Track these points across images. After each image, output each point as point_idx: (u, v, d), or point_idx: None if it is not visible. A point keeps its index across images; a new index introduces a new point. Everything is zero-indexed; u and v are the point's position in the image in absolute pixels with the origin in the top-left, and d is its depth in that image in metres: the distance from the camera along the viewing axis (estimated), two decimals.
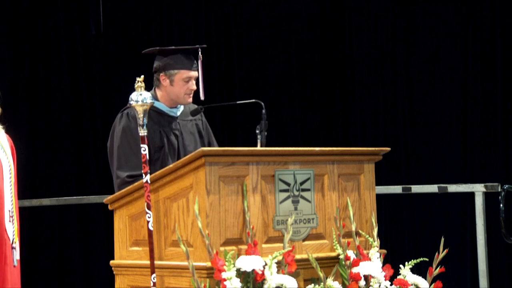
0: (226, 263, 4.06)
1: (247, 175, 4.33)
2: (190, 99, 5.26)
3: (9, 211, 5.24)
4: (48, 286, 7.64)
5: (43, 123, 7.90)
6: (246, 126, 6.73)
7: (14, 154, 5.37)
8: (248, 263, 4.12)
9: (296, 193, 4.49)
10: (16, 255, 5.28)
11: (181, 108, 5.32)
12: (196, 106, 5.33)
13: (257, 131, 5.19)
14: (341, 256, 4.50)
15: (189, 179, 4.28)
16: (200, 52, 5.22)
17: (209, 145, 5.37)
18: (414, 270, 4.71)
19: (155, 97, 5.21)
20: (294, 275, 4.25)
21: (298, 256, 4.38)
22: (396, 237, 8.44)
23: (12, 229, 5.27)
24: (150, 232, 4.32)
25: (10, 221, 5.25)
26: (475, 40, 8.31)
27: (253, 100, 5.32)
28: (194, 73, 5.23)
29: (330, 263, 4.50)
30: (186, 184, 4.29)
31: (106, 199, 4.69)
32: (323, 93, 8.85)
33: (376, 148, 4.87)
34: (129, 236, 4.55)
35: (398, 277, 4.66)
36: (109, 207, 4.66)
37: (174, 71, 5.21)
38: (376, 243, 4.65)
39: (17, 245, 5.29)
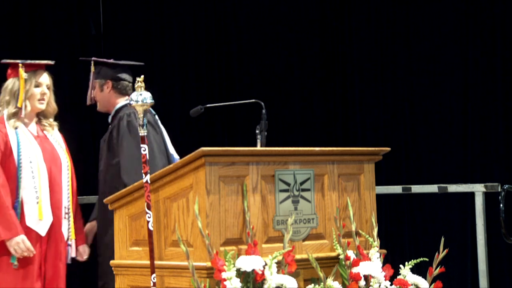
0: (226, 263, 4.06)
1: (247, 175, 4.33)
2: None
3: (65, 207, 5.27)
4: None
5: None
6: (246, 126, 6.72)
7: (68, 151, 5.41)
8: (248, 263, 4.12)
9: (296, 193, 4.49)
10: (72, 252, 5.31)
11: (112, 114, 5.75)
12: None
13: (257, 131, 5.20)
14: (341, 256, 4.50)
15: (189, 179, 4.28)
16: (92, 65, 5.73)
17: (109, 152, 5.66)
18: (414, 270, 4.71)
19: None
20: (294, 275, 4.25)
21: (298, 256, 4.38)
22: (396, 237, 8.43)
23: (67, 226, 5.30)
24: (150, 232, 4.32)
25: (65, 217, 5.28)
26: (475, 40, 8.30)
27: (253, 100, 5.33)
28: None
29: (330, 263, 4.50)
30: (186, 184, 4.29)
31: (106, 199, 4.69)
32: (323, 93, 8.84)
33: (376, 148, 4.87)
34: (129, 236, 4.55)
35: (398, 277, 4.66)
36: (109, 207, 4.67)
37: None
38: (376, 243, 4.65)
39: (72, 242, 5.32)
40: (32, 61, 5.30)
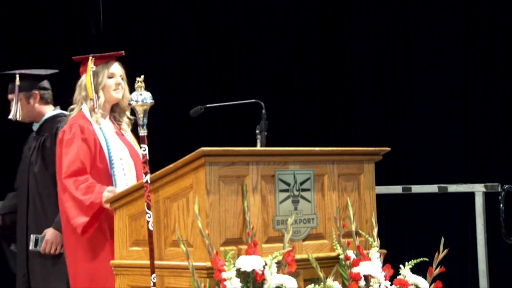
0: (226, 263, 4.06)
1: (247, 175, 4.33)
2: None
3: None
4: None
5: None
6: (246, 126, 6.73)
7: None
8: (248, 263, 4.12)
9: (296, 193, 4.49)
10: None
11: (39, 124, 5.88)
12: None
13: (257, 131, 5.20)
14: (341, 256, 4.50)
15: (189, 179, 4.28)
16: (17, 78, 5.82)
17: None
18: (414, 270, 4.71)
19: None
20: (294, 275, 4.25)
21: (298, 256, 4.38)
22: (396, 237, 8.44)
23: None
24: (150, 232, 4.32)
25: None
26: (475, 40, 8.31)
27: (253, 100, 5.33)
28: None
29: (330, 263, 4.50)
30: (186, 184, 4.29)
31: (106, 199, 4.69)
32: (323, 93, 8.85)
33: (376, 148, 4.87)
34: (129, 236, 4.55)
35: (398, 277, 4.66)
36: (109, 207, 4.67)
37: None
38: (376, 243, 4.65)
39: None
40: (102, 54, 5.24)
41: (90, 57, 5.16)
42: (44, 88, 5.90)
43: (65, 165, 4.96)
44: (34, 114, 5.89)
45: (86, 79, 5.17)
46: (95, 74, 5.15)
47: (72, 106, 5.25)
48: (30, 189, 5.80)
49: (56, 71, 6.03)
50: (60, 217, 5.10)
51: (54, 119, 5.88)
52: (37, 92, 5.86)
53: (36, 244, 5.65)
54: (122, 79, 5.23)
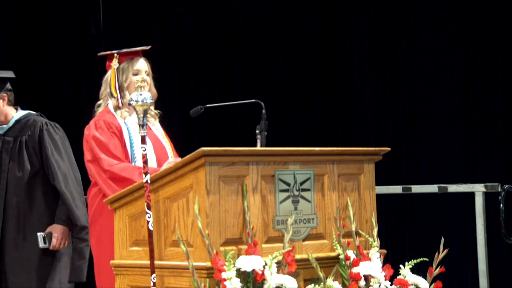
0: (226, 263, 4.06)
1: (247, 175, 4.33)
2: None
3: None
4: None
5: None
6: (246, 126, 6.73)
7: (171, 143, 5.38)
8: (248, 263, 4.12)
9: (296, 193, 4.49)
10: None
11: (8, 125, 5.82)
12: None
13: (257, 131, 5.19)
14: (341, 256, 4.50)
15: (189, 179, 4.28)
16: None
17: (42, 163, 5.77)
18: (414, 270, 4.71)
19: None
20: (294, 275, 4.25)
21: (298, 256, 4.38)
22: (396, 237, 8.44)
23: None
24: (150, 232, 4.32)
25: None
26: (475, 40, 8.31)
27: (253, 100, 5.32)
28: None
29: (330, 263, 4.50)
30: (186, 184, 4.29)
31: (106, 199, 4.69)
32: (323, 93, 8.85)
33: (376, 148, 4.87)
34: (129, 236, 4.55)
35: (398, 277, 4.66)
36: (109, 207, 4.67)
37: None
38: (376, 243, 4.65)
39: None
40: (128, 49, 5.22)
41: (115, 54, 5.15)
42: (10, 90, 5.86)
43: (104, 158, 4.97)
44: (2, 117, 5.84)
45: (111, 76, 5.18)
46: (120, 72, 5.15)
47: (98, 102, 5.27)
48: (8, 193, 5.77)
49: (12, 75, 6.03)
50: (88, 210, 5.15)
51: (26, 119, 5.85)
52: (5, 94, 5.81)
53: (44, 242, 5.69)
54: (148, 74, 5.24)
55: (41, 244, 5.69)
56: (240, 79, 8.73)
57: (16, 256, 5.70)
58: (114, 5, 8.44)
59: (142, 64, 5.22)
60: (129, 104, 4.59)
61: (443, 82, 8.42)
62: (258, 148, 5.08)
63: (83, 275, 5.84)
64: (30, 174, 5.73)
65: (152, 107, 5.29)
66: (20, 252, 5.71)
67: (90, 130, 5.11)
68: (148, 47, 5.21)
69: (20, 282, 5.72)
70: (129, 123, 5.15)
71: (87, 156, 5.10)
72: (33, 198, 5.73)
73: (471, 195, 7.14)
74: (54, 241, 5.69)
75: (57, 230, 5.72)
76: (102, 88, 5.24)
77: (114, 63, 5.13)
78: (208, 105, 5.43)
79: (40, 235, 5.69)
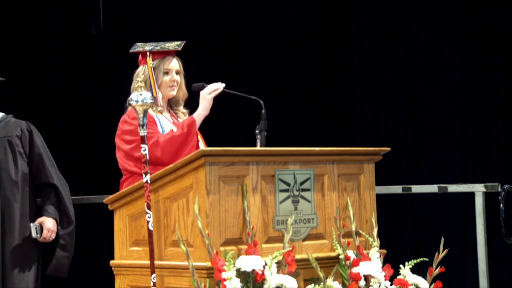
0: (226, 263, 4.06)
1: (247, 175, 4.33)
2: None
3: None
4: (47, 285, 7.64)
5: (42, 123, 7.89)
6: (246, 126, 6.72)
7: (203, 139, 5.37)
8: (248, 263, 4.12)
9: (296, 193, 4.49)
10: None
11: None
12: None
13: (257, 131, 5.20)
14: (341, 256, 4.50)
15: (189, 179, 4.28)
16: None
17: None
18: (414, 270, 4.71)
19: None
20: (294, 275, 4.25)
21: (298, 256, 4.38)
22: (396, 237, 8.44)
23: None
24: (150, 232, 4.32)
25: None
26: (475, 40, 8.31)
27: (254, 97, 5.32)
28: None
29: (330, 263, 4.50)
30: (186, 184, 4.29)
31: (106, 199, 4.69)
32: (323, 93, 8.85)
33: (376, 148, 4.87)
34: (129, 236, 4.55)
35: (398, 277, 4.66)
36: (109, 207, 4.67)
37: None
38: (376, 243, 4.65)
39: None
40: (160, 48, 5.22)
41: (148, 53, 5.15)
42: None
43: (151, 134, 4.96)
44: None
45: (143, 72, 5.17)
46: (152, 70, 5.17)
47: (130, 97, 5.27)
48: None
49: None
50: None
51: (6, 120, 5.86)
52: None
53: (37, 232, 5.76)
54: (178, 73, 5.26)
55: (34, 234, 5.75)
56: (240, 79, 8.72)
57: None
58: (114, 5, 8.43)
59: (174, 64, 5.24)
60: (129, 104, 4.59)
61: (443, 82, 8.42)
62: (258, 148, 5.08)
63: (65, 271, 5.86)
64: (19, 173, 5.75)
65: (181, 106, 5.33)
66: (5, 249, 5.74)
67: (128, 121, 5.06)
68: (180, 47, 5.22)
69: (18, 281, 5.75)
70: (162, 118, 5.16)
71: (126, 145, 5.03)
72: (21, 197, 5.77)
73: (471, 195, 7.13)
74: (45, 232, 5.77)
75: (48, 223, 5.80)
76: (133, 83, 5.23)
77: (150, 62, 5.15)
78: (211, 84, 5.39)
79: (33, 225, 5.75)
